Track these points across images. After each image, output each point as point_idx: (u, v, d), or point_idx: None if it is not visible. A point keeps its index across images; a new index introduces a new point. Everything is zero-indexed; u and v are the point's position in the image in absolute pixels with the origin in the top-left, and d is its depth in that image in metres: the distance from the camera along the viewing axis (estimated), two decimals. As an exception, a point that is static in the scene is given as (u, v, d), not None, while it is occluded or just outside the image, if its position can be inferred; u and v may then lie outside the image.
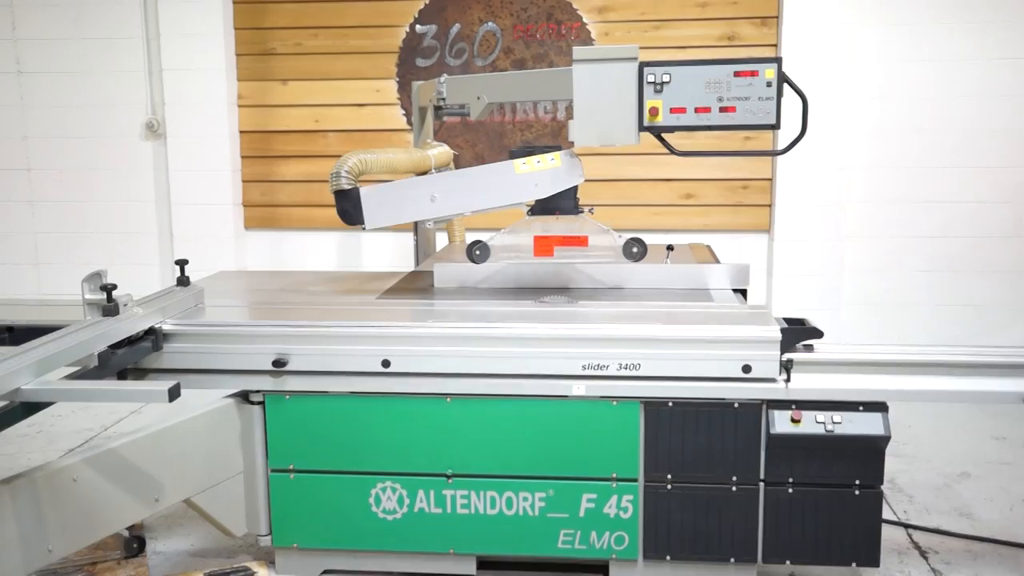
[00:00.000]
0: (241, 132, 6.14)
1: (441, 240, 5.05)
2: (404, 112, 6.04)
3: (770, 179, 5.86)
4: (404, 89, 6.00)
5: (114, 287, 2.92)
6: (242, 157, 6.17)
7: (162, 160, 6.16)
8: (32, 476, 2.57)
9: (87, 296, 2.95)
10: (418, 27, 5.96)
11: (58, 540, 2.62)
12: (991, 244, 5.75)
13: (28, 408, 2.45)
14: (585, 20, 5.86)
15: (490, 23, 5.90)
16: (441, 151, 4.06)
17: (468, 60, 5.96)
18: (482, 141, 5.98)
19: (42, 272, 6.34)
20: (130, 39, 6.06)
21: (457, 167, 4.39)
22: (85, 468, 2.70)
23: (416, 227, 4.73)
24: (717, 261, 4.05)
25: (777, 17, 5.72)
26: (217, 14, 5.89)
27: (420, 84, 4.52)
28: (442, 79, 4.07)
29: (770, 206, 5.88)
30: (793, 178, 5.73)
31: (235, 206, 6.15)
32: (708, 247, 4.61)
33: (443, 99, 4.10)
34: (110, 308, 2.90)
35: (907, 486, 4.07)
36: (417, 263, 4.71)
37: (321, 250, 6.17)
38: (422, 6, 5.94)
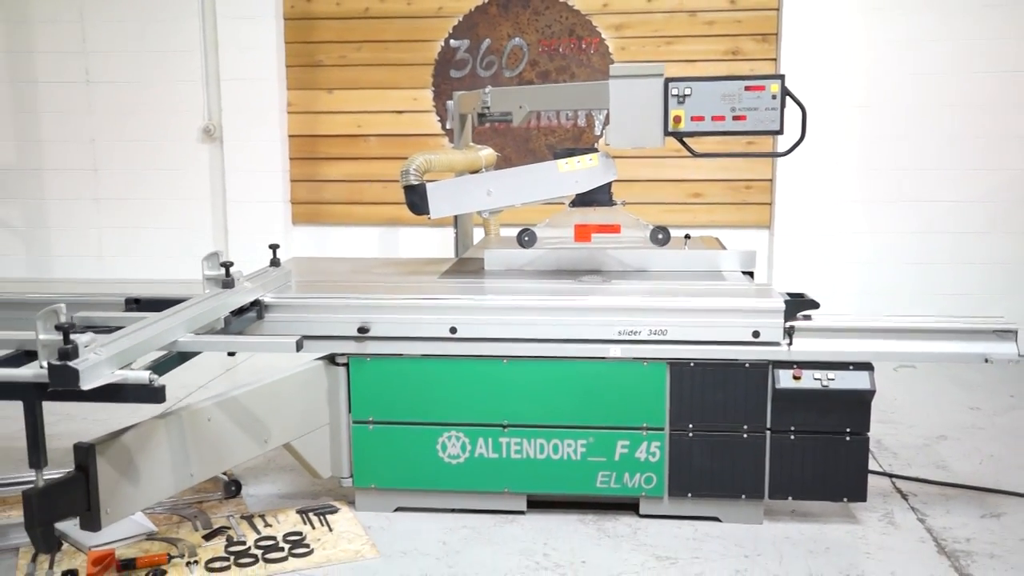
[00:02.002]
0: (290, 136, 6.75)
1: (477, 234, 5.64)
2: (439, 118, 6.65)
3: (771, 180, 6.48)
4: (439, 98, 6.62)
5: (231, 264, 3.50)
6: (290, 159, 6.78)
7: (217, 161, 6.76)
8: (179, 414, 3.16)
9: (207, 272, 3.52)
10: (452, 42, 6.58)
11: (197, 467, 3.22)
12: (970, 239, 6.38)
13: (182, 356, 3.05)
14: (604, 36, 6.48)
15: (517, 38, 6.52)
16: (489, 153, 4.65)
17: (497, 72, 6.57)
18: (509, 145, 6.58)
19: (105, 264, 6.92)
20: (189, 51, 6.68)
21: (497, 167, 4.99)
22: (216, 410, 3.30)
23: (456, 221, 5.32)
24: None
25: (776, 34, 6.34)
26: (270, 29, 6.50)
27: (461, 94, 5.09)
28: (487, 90, 4.64)
29: (770, 204, 6.50)
30: (792, 179, 6.34)
31: (284, 203, 6.76)
32: (717, 239, 5.20)
33: (487, 107, 4.66)
34: (228, 281, 3.47)
35: (892, 446, 4.66)
36: (457, 253, 5.29)
37: (362, 244, 6.76)
38: (456, 23, 6.56)
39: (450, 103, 6.22)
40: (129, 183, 6.91)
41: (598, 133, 6.62)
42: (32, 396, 2.63)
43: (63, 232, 7.02)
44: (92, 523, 2.83)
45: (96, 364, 2.52)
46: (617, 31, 6.48)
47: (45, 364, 2.48)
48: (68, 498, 2.76)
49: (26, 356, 2.94)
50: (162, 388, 2.61)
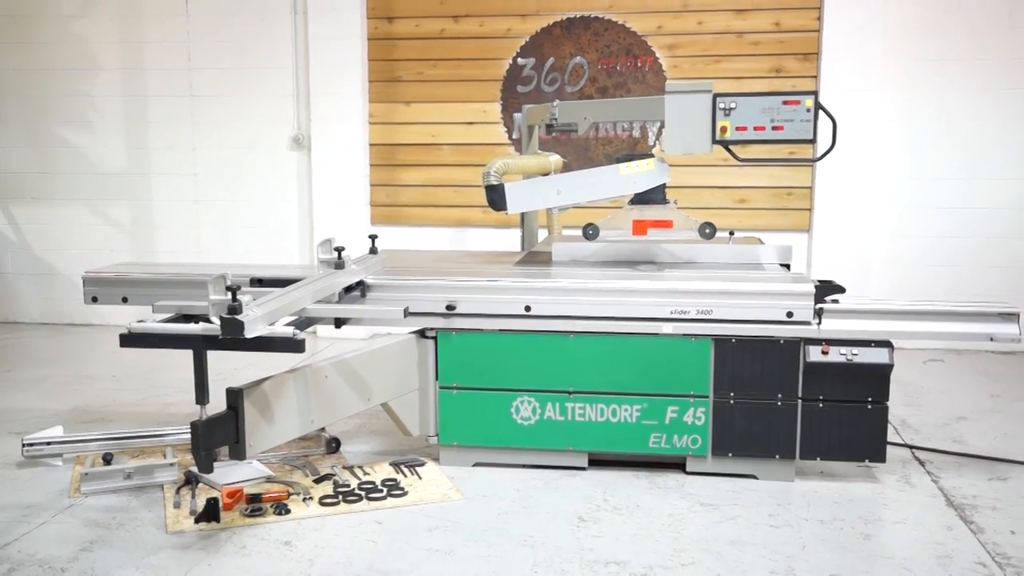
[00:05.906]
0: (371, 145, 7.44)
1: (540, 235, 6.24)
2: (506, 129, 7.29)
3: (810, 187, 7.02)
4: (506, 110, 7.26)
5: (343, 248, 4.15)
6: (371, 165, 7.47)
7: (305, 168, 7.48)
8: (303, 370, 3.82)
9: (320, 256, 4.18)
10: (519, 60, 7.23)
11: (316, 415, 3.87)
12: (997, 244, 6.86)
13: (310, 320, 3.70)
14: (658, 55, 7.08)
15: (579, 57, 7.15)
16: (556, 158, 5.27)
17: (560, 87, 7.20)
18: (570, 153, 7.19)
19: (203, 258, 7.66)
20: (283, 69, 7.40)
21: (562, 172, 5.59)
22: (331, 369, 3.95)
23: (523, 222, 5.93)
24: (766, 247, 5.19)
25: (817, 53, 6.88)
26: (356, 49, 7.19)
27: (529, 107, 5.70)
28: (555, 103, 5.23)
29: (810, 210, 7.03)
30: (830, 186, 6.87)
31: (365, 206, 7.44)
32: (758, 239, 5.75)
33: (555, 119, 5.26)
34: (340, 263, 4.12)
35: (915, 424, 5.16)
36: (523, 250, 5.89)
37: (434, 243, 7.41)
38: (523, 43, 7.21)
39: (517, 115, 6.89)
40: (226, 187, 7.65)
41: (651, 143, 7.22)
42: (200, 346, 3.29)
43: (167, 231, 7.79)
44: (239, 452, 3.49)
45: (255, 319, 3.17)
46: (670, 51, 7.07)
47: (216, 319, 3.14)
48: (223, 430, 3.42)
49: (184, 319, 3.62)
50: (303, 340, 3.26)
